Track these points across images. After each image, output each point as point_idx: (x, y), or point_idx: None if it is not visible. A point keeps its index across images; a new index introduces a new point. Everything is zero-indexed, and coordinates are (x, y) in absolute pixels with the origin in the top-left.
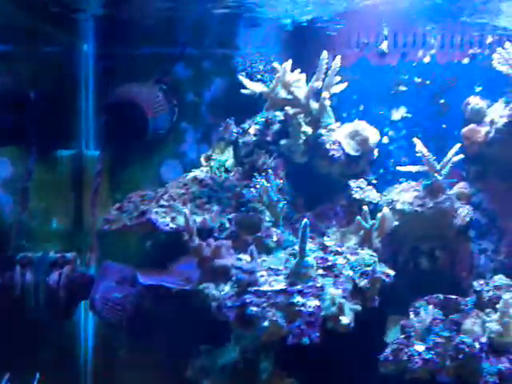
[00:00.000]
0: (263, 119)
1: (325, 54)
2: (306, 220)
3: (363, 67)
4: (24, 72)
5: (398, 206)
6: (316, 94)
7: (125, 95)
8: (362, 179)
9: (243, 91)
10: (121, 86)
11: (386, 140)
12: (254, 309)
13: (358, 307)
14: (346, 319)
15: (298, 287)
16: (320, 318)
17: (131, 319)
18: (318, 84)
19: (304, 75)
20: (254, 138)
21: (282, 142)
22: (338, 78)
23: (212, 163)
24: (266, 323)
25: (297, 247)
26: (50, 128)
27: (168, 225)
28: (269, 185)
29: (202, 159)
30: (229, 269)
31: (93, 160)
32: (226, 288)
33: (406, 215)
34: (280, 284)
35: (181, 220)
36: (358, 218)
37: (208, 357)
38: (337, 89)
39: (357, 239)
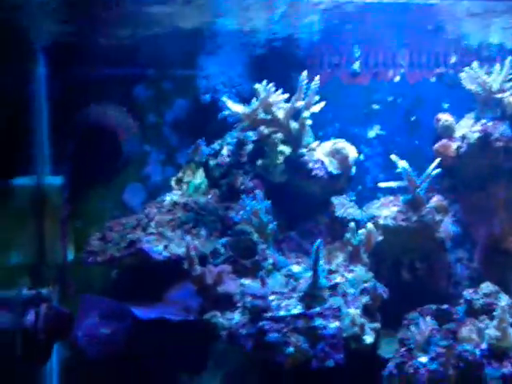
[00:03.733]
0: (235, 139)
1: (304, 74)
2: (318, 241)
3: (336, 86)
4: None
5: (381, 221)
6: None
7: (94, 118)
8: (343, 196)
9: (224, 113)
10: (86, 108)
11: (362, 157)
12: (275, 335)
13: (378, 325)
14: (369, 338)
15: (317, 310)
16: (342, 340)
17: (123, 355)
18: (300, 104)
19: (286, 95)
20: (228, 159)
21: (259, 162)
22: (317, 98)
23: (184, 186)
24: (290, 349)
25: (292, 267)
26: (2, 154)
27: (161, 253)
28: (261, 205)
29: (173, 182)
30: (233, 295)
31: (52, 187)
32: (236, 316)
33: (389, 229)
34: (297, 308)
35: (173, 247)
36: (347, 235)
37: None
38: (316, 108)
39: (344, 256)
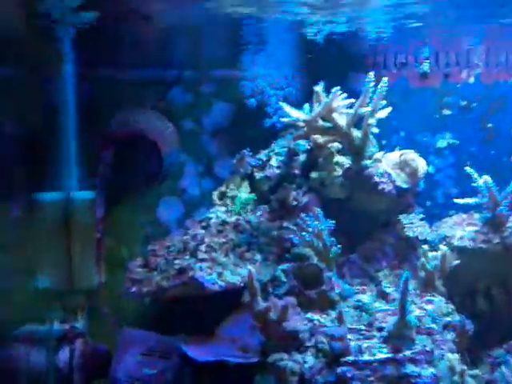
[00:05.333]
0: (285, 149)
1: (371, 75)
2: (406, 273)
3: (402, 90)
4: None
5: (456, 243)
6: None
7: (132, 125)
8: (413, 214)
9: (282, 120)
10: (121, 114)
11: (431, 169)
12: None
13: (477, 372)
14: None
15: (408, 353)
16: None
17: None
18: (366, 109)
19: (352, 100)
20: (278, 171)
21: (313, 174)
22: (383, 102)
23: (228, 201)
24: None
25: (361, 297)
26: (30, 167)
27: (216, 283)
28: (323, 227)
29: (215, 197)
30: (300, 333)
31: (83, 203)
32: (309, 358)
33: (466, 252)
34: (382, 351)
35: (228, 275)
36: (423, 260)
37: None
38: (383, 114)
39: (415, 283)
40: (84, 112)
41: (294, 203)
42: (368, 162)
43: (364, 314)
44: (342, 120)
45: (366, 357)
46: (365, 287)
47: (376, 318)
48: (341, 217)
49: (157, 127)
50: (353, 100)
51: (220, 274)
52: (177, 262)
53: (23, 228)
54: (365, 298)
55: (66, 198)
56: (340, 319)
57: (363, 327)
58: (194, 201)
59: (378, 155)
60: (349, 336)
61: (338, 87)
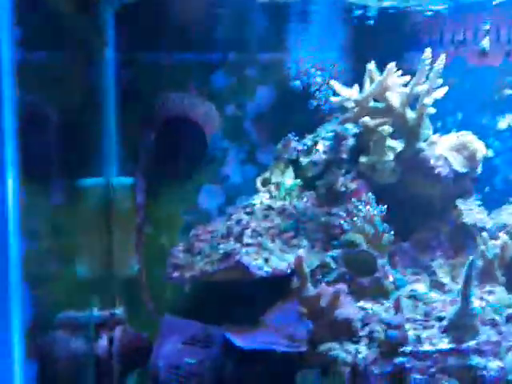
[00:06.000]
0: (332, 133)
1: (428, 52)
2: (472, 258)
3: (459, 68)
4: (38, 83)
5: None
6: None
7: (176, 107)
8: (470, 200)
9: (333, 99)
10: (165, 96)
11: (490, 153)
12: (418, 376)
13: None
14: None
15: (472, 344)
16: None
17: None
18: (422, 88)
19: (407, 77)
20: (324, 157)
21: (363, 159)
22: (440, 81)
23: (272, 188)
24: None
25: (415, 287)
26: (70, 153)
27: (262, 268)
28: (375, 212)
29: (259, 183)
30: (352, 322)
31: (123, 189)
32: (362, 349)
33: None
34: (443, 341)
35: (275, 261)
36: (482, 248)
37: None
38: (439, 93)
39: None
40: (125, 96)
41: (343, 189)
42: (423, 144)
43: (420, 304)
44: (395, 100)
45: (425, 347)
46: (418, 277)
47: (433, 308)
48: (392, 203)
49: (200, 110)
50: (408, 77)
51: (266, 260)
52: (221, 246)
53: (63, 214)
54: (420, 287)
55: (106, 184)
56: (397, 307)
57: (421, 317)
58: (236, 188)
59: (434, 138)
60: (406, 326)
61: (393, 63)
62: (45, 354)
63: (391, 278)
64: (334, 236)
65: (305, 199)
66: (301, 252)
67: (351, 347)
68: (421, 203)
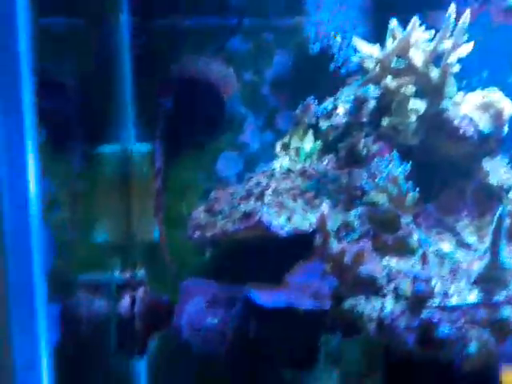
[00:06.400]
0: (352, 96)
1: (453, 8)
2: (502, 207)
3: (485, 26)
4: (53, 50)
5: None
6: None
7: (194, 70)
8: (496, 161)
9: (354, 58)
10: (181, 59)
11: None
12: (448, 329)
13: None
14: None
15: (502, 297)
16: None
17: (235, 349)
18: (446, 46)
19: (432, 32)
20: (345, 120)
21: (385, 121)
22: (465, 38)
23: (291, 152)
24: (471, 347)
25: (441, 246)
26: (89, 119)
27: (284, 227)
28: (399, 170)
29: (278, 148)
30: (377, 279)
31: (141, 155)
32: (388, 304)
33: None
34: (472, 294)
35: (298, 220)
36: (509, 207)
37: None
38: (465, 50)
39: None
40: (142, 61)
41: (364, 151)
42: (447, 104)
43: (446, 261)
44: (418, 58)
45: (454, 300)
46: (443, 238)
47: (460, 266)
48: (415, 165)
49: (217, 73)
50: (433, 32)
51: (288, 219)
52: (242, 206)
53: (83, 181)
54: (445, 246)
55: (124, 151)
56: (424, 260)
57: (446, 273)
58: (255, 156)
59: (459, 97)
60: (433, 281)
61: (417, 16)
62: (67, 314)
63: (416, 237)
64: (356, 197)
65: (325, 161)
66: (324, 207)
67: (376, 303)
68: (445, 164)
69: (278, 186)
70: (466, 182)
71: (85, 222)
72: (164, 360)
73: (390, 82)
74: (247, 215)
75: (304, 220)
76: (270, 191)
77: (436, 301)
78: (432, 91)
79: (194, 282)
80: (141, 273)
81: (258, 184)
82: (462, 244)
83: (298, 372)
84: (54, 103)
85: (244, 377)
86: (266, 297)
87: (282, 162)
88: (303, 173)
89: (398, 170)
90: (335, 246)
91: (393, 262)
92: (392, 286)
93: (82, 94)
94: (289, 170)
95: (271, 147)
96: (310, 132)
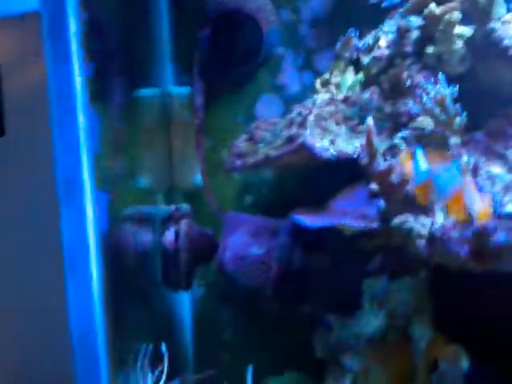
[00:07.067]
0: (395, 27)
1: None
2: None
3: None
4: None
5: None
6: None
7: (230, 2)
8: None
9: None
10: None
11: None
12: (503, 236)
13: None
14: None
15: None
16: None
17: (281, 279)
18: None
19: None
20: (387, 52)
21: (429, 50)
22: None
23: (332, 88)
24: None
25: (494, 170)
26: (126, 63)
27: (328, 150)
28: (447, 91)
29: (318, 85)
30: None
31: (180, 99)
32: (439, 218)
33: None
34: None
35: (342, 144)
36: None
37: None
38: None
39: None
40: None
41: (408, 82)
42: (497, 24)
43: (497, 181)
44: None
45: (509, 208)
46: (494, 164)
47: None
48: (463, 94)
49: (254, 3)
50: None
51: (332, 142)
52: (284, 133)
53: (122, 125)
54: (496, 170)
55: (163, 94)
56: (475, 173)
57: (499, 188)
58: (294, 97)
59: (508, 16)
60: (485, 195)
61: None
62: (113, 246)
63: (465, 158)
64: (401, 123)
65: (368, 92)
66: (370, 122)
67: (426, 221)
68: (494, 90)
69: (321, 112)
70: None
71: (126, 167)
72: (208, 293)
73: (433, 8)
74: (290, 139)
75: (348, 144)
76: (312, 116)
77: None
78: (479, 14)
79: (237, 215)
80: (185, 206)
81: (300, 114)
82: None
83: (342, 310)
84: (94, 49)
85: (288, 309)
86: (310, 219)
87: (323, 97)
88: (346, 100)
89: (446, 91)
90: (382, 164)
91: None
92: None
93: (120, 37)
94: (331, 99)
95: (311, 89)
96: (351, 67)
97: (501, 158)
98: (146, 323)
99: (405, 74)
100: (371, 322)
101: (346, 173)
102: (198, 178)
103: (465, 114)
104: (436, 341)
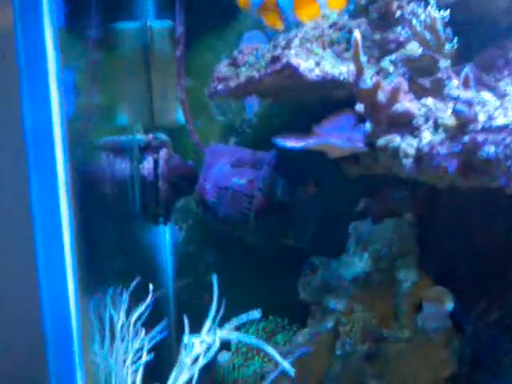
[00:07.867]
0: None
1: None
2: None
3: None
4: None
5: None
6: None
7: None
8: None
9: None
10: None
11: None
12: (492, 149)
13: None
14: None
15: None
16: None
17: (264, 210)
18: None
19: None
20: None
21: None
22: None
23: (320, 20)
24: None
25: (485, 96)
26: None
27: (314, 71)
28: (438, 15)
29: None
30: (414, 117)
31: (161, 32)
32: (425, 136)
33: None
34: None
35: (327, 66)
36: None
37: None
38: None
39: None
40: None
41: (398, 12)
42: None
43: (488, 103)
44: None
45: (500, 121)
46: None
47: (504, 100)
48: (451, 22)
49: None
50: None
51: (317, 64)
52: (268, 55)
53: (100, 59)
54: (487, 96)
55: (143, 27)
56: (466, 84)
57: (490, 106)
58: (279, 33)
59: None
60: (477, 107)
61: None
62: (89, 176)
63: (456, 81)
64: (390, 51)
65: (356, 22)
66: (357, 34)
67: (413, 140)
68: (484, 22)
69: (307, 35)
70: (507, 39)
71: (104, 105)
72: (189, 225)
73: None
74: (274, 60)
75: (334, 68)
76: (297, 39)
77: (479, 125)
78: None
79: (219, 146)
80: (163, 136)
81: (285, 37)
82: (504, 96)
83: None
84: None
85: (271, 241)
86: (295, 141)
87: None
88: (333, 25)
89: (436, 14)
90: (368, 81)
91: (430, 103)
92: (430, 123)
93: None
94: (317, 25)
95: (297, 24)
96: None
97: (493, 89)
98: (123, 261)
99: (394, 4)
100: (356, 263)
101: (332, 93)
102: (180, 115)
103: (456, 39)
104: (421, 282)
